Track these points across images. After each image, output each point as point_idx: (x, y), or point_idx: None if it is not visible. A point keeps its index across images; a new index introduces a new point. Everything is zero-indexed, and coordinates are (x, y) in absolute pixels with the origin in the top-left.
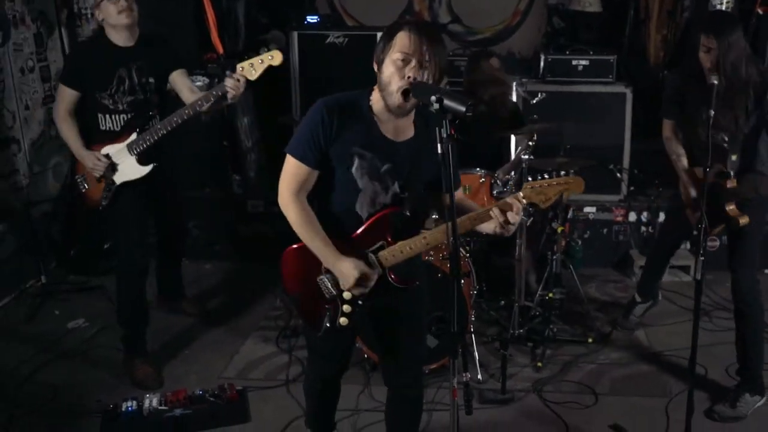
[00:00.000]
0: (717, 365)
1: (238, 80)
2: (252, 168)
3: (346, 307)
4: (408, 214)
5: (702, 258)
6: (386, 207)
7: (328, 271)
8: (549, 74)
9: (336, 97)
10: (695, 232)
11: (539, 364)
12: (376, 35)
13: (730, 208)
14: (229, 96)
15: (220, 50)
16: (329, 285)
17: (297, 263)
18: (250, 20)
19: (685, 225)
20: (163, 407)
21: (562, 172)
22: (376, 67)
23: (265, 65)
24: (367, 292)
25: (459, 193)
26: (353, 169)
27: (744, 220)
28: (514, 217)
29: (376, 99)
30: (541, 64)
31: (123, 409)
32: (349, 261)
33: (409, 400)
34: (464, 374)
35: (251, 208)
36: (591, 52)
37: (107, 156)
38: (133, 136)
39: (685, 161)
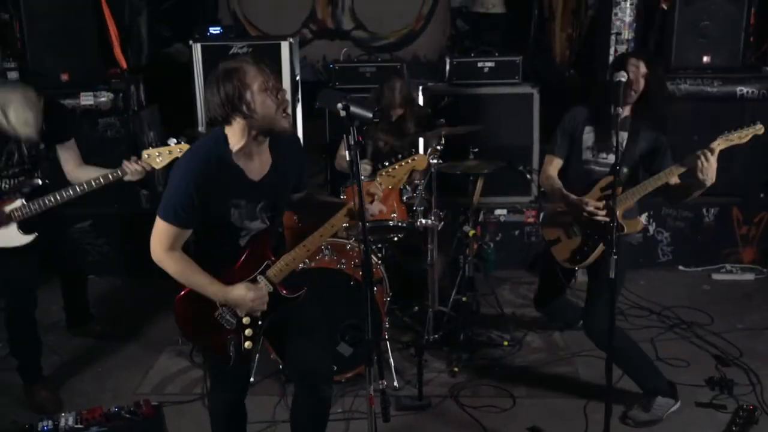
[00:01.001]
0: None
1: (141, 168)
2: (159, 182)
3: (248, 332)
4: (281, 230)
5: (615, 257)
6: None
7: (222, 304)
8: (455, 77)
9: (197, 154)
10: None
11: (455, 368)
12: (279, 44)
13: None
14: (126, 179)
15: (124, 65)
16: (227, 316)
17: (190, 308)
18: (153, 34)
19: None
20: (78, 425)
21: (406, 153)
22: (235, 114)
23: (173, 157)
24: (264, 308)
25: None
26: (233, 219)
27: (630, 229)
28: (376, 204)
29: (238, 144)
30: (447, 67)
31: (39, 429)
32: (238, 287)
33: (313, 406)
34: (380, 382)
35: None
36: (496, 54)
37: None
38: (17, 203)
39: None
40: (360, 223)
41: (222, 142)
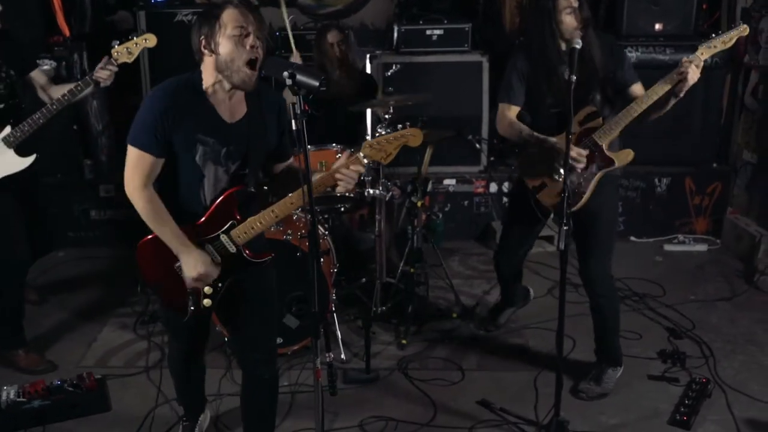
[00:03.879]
0: (585, 337)
1: (115, 68)
2: (103, 152)
3: (207, 289)
4: (252, 190)
5: (565, 228)
6: (228, 188)
7: None
8: (403, 45)
9: (171, 83)
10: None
11: (404, 341)
12: None
13: (605, 147)
14: (102, 84)
15: (67, 33)
16: None
17: (152, 253)
18: (97, 1)
19: (530, 214)
20: (21, 399)
21: (399, 126)
22: (206, 52)
23: (140, 47)
24: (203, 286)
25: (290, 161)
26: (197, 157)
27: (621, 160)
28: (353, 174)
29: (209, 83)
30: (395, 35)
31: None
32: (195, 255)
33: (264, 380)
34: (327, 354)
35: (104, 192)
36: (445, 21)
37: None
38: (7, 129)
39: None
40: (306, 193)
41: (197, 75)
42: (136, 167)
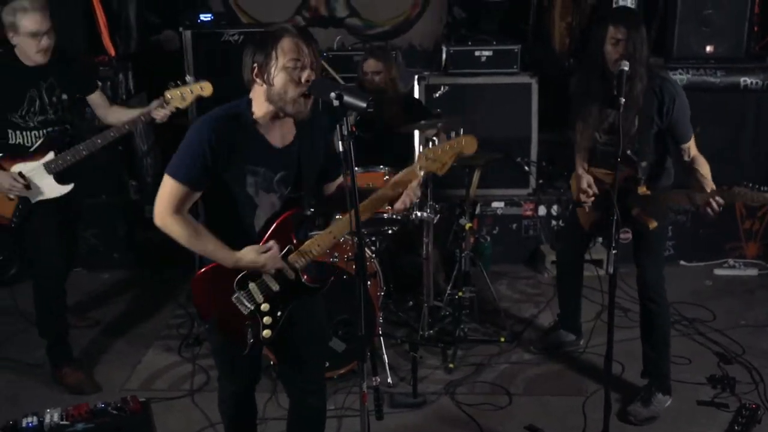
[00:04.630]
0: (634, 362)
1: (171, 111)
2: (148, 173)
3: (266, 320)
4: (308, 213)
5: (614, 251)
6: (282, 212)
7: (240, 288)
8: (451, 66)
9: (216, 115)
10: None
11: (451, 365)
12: None
13: (636, 212)
14: (157, 121)
15: (112, 52)
16: (245, 301)
17: (207, 288)
18: (143, 20)
19: (580, 236)
20: (64, 422)
21: (452, 133)
22: (258, 81)
23: (195, 95)
24: (278, 266)
25: (339, 180)
26: (248, 187)
27: (653, 225)
28: (415, 190)
29: (260, 112)
30: (443, 56)
31: (23, 425)
32: (247, 250)
33: (313, 410)
34: (374, 378)
35: (148, 213)
36: (494, 43)
37: (21, 174)
38: (50, 155)
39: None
40: (353, 215)
41: (245, 104)
42: (172, 197)
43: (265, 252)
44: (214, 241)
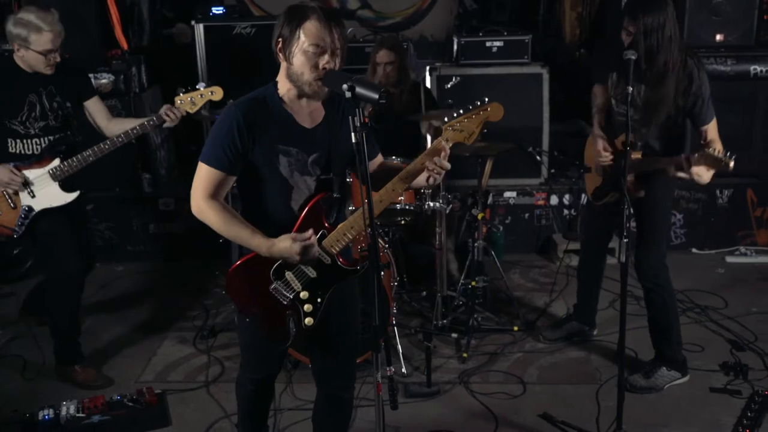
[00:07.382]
0: (646, 349)
1: (180, 115)
2: (162, 165)
3: (307, 307)
4: (337, 195)
5: (626, 240)
6: (314, 195)
7: (277, 278)
8: (463, 57)
9: (246, 98)
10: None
11: (465, 354)
12: None
13: (630, 180)
14: (166, 126)
15: (125, 46)
16: (283, 290)
17: (243, 282)
18: (155, 14)
19: (604, 223)
20: (80, 414)
21: (477, 102)
22: (281, 56)
23: (205, 99)
24: (316, 255)
25: (379, 159)
26: (281, 168)
27: (640, 194)
28: (443, 163)
29: (285, 90)
30: (455, 47)
31: (40, 418)
32: (283, 239)
33: (341, 401)
34: (388, 368)
35: (162, 206)
36: (505, 33)
37: (25, 183)
38: (56, 161)
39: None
40: (366, 206)
41: (272, 87)
42: (207, 182)
43: (299, 241)
44: (249, 227)
